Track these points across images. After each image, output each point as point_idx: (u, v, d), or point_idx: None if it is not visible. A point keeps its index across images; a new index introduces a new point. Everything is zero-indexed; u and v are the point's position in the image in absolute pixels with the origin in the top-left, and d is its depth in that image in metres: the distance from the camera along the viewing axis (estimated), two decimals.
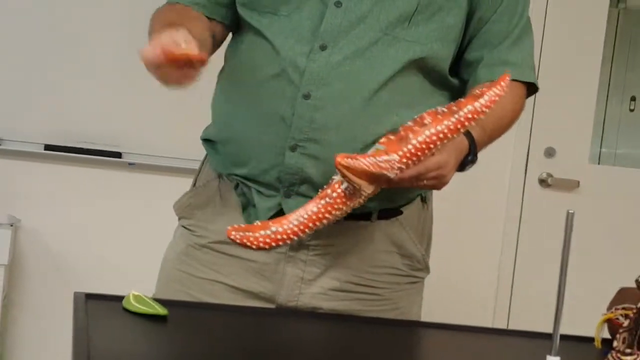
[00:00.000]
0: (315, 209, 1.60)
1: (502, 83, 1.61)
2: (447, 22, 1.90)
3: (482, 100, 1.60)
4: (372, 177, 1.59)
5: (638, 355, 1.34)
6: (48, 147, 3.61)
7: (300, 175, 1.88)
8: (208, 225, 1.99)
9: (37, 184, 3.67)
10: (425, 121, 1.59)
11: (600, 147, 4.44)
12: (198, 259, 1.98)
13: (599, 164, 4.39)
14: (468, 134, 1.80)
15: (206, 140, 2.03)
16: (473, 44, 1.97)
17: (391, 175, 1.59)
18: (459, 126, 1.59)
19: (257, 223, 1.60)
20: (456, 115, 1.59)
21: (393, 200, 1.93)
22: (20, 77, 3.59)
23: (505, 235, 4.01)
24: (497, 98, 1.60)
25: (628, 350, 1.35)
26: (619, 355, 1.35)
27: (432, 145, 1.58)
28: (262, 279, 1.93)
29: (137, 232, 3.66)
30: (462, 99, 1.63)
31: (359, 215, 1.88)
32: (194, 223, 2.01)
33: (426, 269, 2.04)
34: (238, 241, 1.58)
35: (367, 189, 1.60)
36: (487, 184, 3.95)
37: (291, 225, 1.59)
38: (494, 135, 1.93)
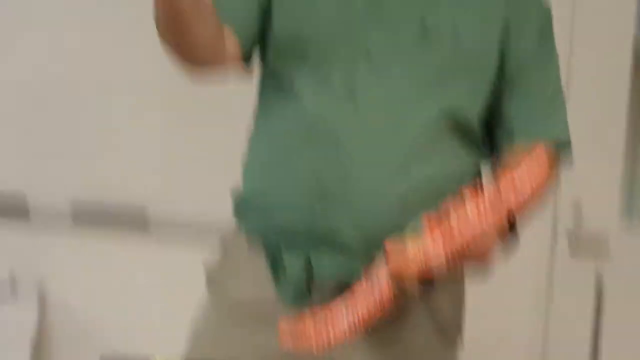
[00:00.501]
0: (365, 311, 1.59)
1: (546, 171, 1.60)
2: (478, 77, 1.92)
3: (524, 190, 1.57)
4: (422, 277, 1.60)
5: None
6: (75, 217, 3.61)
7: (332, 236, 1.87)
8: (237, 287, 1.98)
9: (64, 254, 3.66)
10: (468, 209, 1.57)
11: (630, 200, 4.38)
12: (228, 322, 1.98)
13: (630, 217, 4.33)
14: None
15: (236, 203, 2.02)
16: (504, 103, 1.96)
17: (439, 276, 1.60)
18: (502, 221, 1.58)
19: (309, 326, 1.60)
20: (500, 209, 1.57)
21: None
22: (44, 141, 3.62)
23: (535, 302, 3.94)
24: (542, 190, 1.59)
25: None
26: None
27: (477, 241, 1.56)
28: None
29: (166, 297, 3.65)
30: (504, 182, 1.62)
31: None
32: (222, 286, 2.01)
33: (460, 336, 2.02)
34: (292, 348, 1.55)
35: (417, 290, 1.60)
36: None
37: (343, 329, 1.57)
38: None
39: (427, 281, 1.61)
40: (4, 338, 3.39)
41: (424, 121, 1.87)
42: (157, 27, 1.80)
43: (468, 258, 1.66)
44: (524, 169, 1.59)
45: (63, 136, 3.61)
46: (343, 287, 1.82)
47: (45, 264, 3.64)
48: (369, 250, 1.85)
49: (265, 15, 1.95)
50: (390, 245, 1.67)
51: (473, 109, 1.92)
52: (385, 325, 1.85)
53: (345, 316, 1.60)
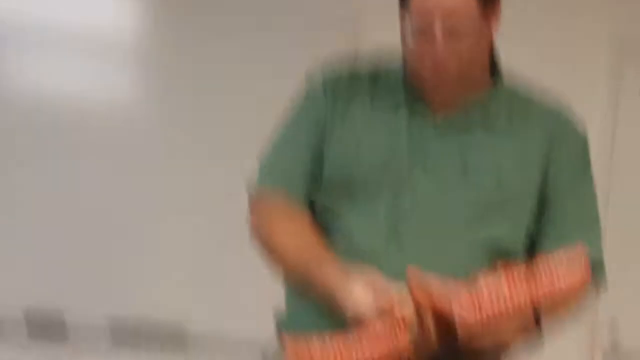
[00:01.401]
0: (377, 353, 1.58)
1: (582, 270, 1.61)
2: (519, 211, 1.95)
3: (559, 284, 1.60)
4: (441, 327, 1.60)
5: None
6: (114, 333, 3.64)
7: None
8: None
9: None
10: (502, 282, 1.58)
11: None
12: None
13: None
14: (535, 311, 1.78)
15: (278, 324, 2.05)
16: (542, 224, 1.99)
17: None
18: (532, 304, 1.59)
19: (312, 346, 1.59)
20: (532, 291, 1.59)
21: None
22: (83, 264, 3.67)
23: None
24: (577, 292, 1.60)
25: None
26: None
27: (505, 316, 1.57)
28: None
29: None
30: (541, 268, 1.62)
31: None
32: None
33: None
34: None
35: (435, 340, 1.59)
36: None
37: None
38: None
39: (447, 333, 1.62)
40: None
41: (470, 260, 1.89)
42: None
43: (492, 333, 1.67)
44: (561, 263, 1.58)
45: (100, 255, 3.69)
46: None
47: None
48: None
49: (317, 163, 2.01)
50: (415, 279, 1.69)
51: (515, 240, 1.96)
52: None
53: (355, 351, 1.60)
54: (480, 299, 1.57)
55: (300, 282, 1.91)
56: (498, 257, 1.92)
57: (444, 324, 1.65)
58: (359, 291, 1.74)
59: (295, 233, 1.96)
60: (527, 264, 1.74)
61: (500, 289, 1.57)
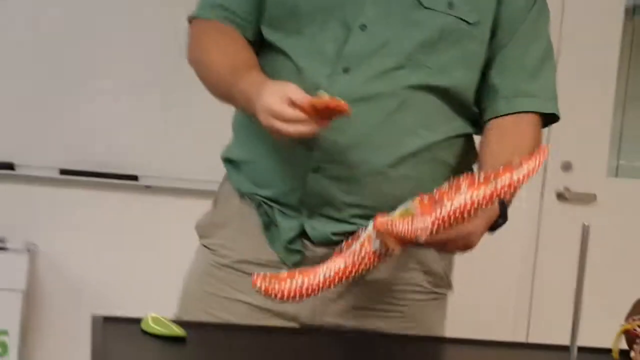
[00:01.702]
0: (343, 266, 1.60)
1: (541, 157, 1.59)
2: (469, 49, 1.92)
3: (520, 174, 1.58)
4: (404, 241, 1.60)
5: None
6: (63, 172, 3.61)
7: (323, 197, 1.90)
8: (229, 244, 2.01)
9: (53, 209, 3.69)
10: (462, 187, 1.57)
11: (618, 160, 4.42)
12: (220, 278, 2.00)
13: (616, 176, 4.38)
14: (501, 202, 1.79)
15: (227, 160, 2.05)
16: (492, 71, 1.97)
17: (421, 239, 1.59)
18: (494, 196, 1.57)
19: (284, 272, 1.58)
20: (493, 185, 1.57)
21: None
22: (34, 102, 3.61)
23: (523, 249, 4.01)
24: (535, 172, 1.59)
25: None
26: None
27: (465, 214, 1.57)
28: None
29: (156, 254, 3.67)
30: (501, 168, 1.60)
31: None
32: (215, 242, 2.03)
33: (448, 285, 2.05)
34: (263, 291, 1.56)
35: (397, 251, 1.61)
36: None
37: (318, 280, 1.57)
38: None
39: (409, 241, 1.63)
40: None
41: (413, 89, 1.88)
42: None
43: (455, 233, 1.68)
44: (523, 164, 1.57)
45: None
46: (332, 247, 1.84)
47: (35, 217, 3.68)
48: (360, 216, 1.88)
49: None
50: (380, 214, 1.68)
51: (464, 78, 1.94)
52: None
53: (322, 269, 1.62)
54: (443, 219, 1.57)
55: (225, 94, 1.90)
56: (447, 96, 1.92)
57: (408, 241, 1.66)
58: (269, 91, 1.73)
59: (226, 48, 1.94)
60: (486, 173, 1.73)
61: (463, 201, 1.56)
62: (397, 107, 1.86)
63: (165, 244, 3.59)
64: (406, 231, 1.58)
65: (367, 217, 1.75)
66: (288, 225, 1.93)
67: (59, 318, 3.71)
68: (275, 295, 1.54)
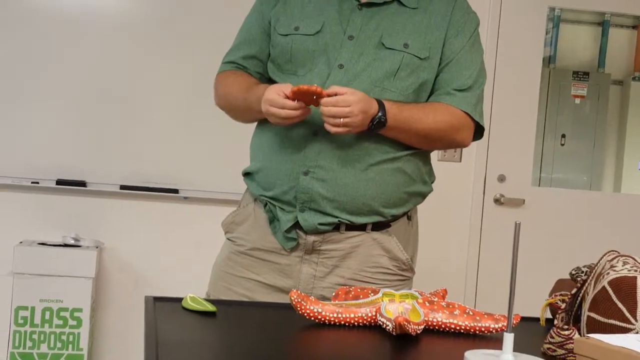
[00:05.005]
0: (352, 315, 1.49)
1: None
2: (422, 77, 1.93)
3: (498, 324, 1.47)
4: None
5: (573, 330, 1.33)
6: (123, 187, 3.62)
7: (311, 194, 1.89)
8: (245, 236, 2.00)
9: (115, 216, 3.68)
10: (455, 310, 1.49)
11: (540, 173, 4.43)
12: (238, 263, 2.00)
13: (539, 185, 4.38)
14: (380, 101, 1.83)
15: (245, 174, 2.05)
16: (434, 87, 1.97)
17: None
18: (474, 330, 1.48)
19: (312, 299, 1.50)
20: (475, 322, 1.48)
21: (384, 216, 1.93)
22: (99, 134, 3.59)
23: (470, 242, 3.99)
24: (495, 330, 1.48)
25: (566, 327, 1.34)
26: (558, 330, 1.34)
27: (446, 328, 1.49)
28: (285, 277, 1.95)
29: (192, 248, 3.65)
30: (484, 314, 1.50)
31: (357, 227, 1.90)
32: (235, 235, 2.03)
33: (411, 270, 2.03)
34: (293, 304, 1.51)
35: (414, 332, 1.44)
36: (455, 203, 3.94)
37: (331, 315, 1.48)
38: (410, 121, 1.89)
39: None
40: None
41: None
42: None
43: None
44: (490, 325, 1.47)
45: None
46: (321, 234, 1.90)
47: (102, 222, 3.65)
48: (339, 209, 1.89)
49: (266, 46, 2.03)
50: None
51: (420, 99, 1.94)
52: (346, 244, 1.92)
53: (337, 308, 1.48)
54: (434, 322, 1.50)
55: (245, 107, 1.96)
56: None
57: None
58: (270, 89, 1.84)
59: (241, 81, 2.00)
60: None
61: (449, 320, 1.49)
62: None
63: (198, 241, 3.57)
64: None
65: (344, 211, 1.84)
66: (286, 218, 1.92)
67: (120, 299, 3.69)
68: (301, 311, 1.49)
